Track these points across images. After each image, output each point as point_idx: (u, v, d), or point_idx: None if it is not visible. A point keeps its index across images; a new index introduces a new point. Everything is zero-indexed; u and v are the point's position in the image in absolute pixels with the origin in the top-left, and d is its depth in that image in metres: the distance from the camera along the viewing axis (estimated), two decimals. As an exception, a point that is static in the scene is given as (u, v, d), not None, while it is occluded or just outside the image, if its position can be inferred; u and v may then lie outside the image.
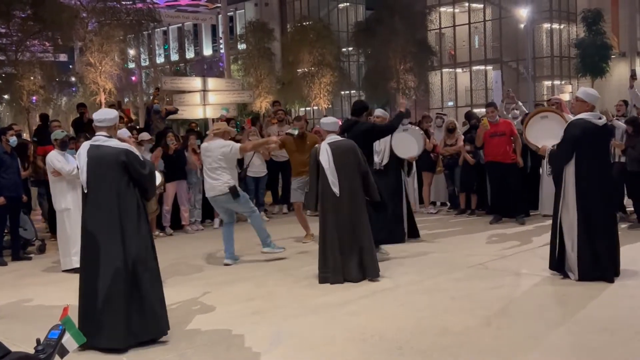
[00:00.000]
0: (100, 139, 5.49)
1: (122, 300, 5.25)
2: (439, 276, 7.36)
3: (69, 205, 8.46)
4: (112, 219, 5.33)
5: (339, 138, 7.64)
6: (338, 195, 7.28)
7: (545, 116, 7.53)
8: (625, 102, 10.39)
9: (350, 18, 52.38)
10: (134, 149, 5.56)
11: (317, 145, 7.82)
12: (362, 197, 7.45)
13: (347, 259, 7.24)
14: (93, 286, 5.29)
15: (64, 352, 3.73)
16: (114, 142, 5.47)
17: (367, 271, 7.27)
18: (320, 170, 7.38)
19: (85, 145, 5.56)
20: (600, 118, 6.80)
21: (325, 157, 7.34)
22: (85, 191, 5.48)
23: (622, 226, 9.24)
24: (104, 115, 5.63)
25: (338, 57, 40.44)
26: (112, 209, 5.34)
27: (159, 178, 7.35)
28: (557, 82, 44.83)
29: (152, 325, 5.36)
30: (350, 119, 8.64)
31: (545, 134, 7.25)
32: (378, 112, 10.00)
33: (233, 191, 8.33)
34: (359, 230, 7.32)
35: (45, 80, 26.74)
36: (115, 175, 5.37)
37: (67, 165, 8.39)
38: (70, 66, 34.23)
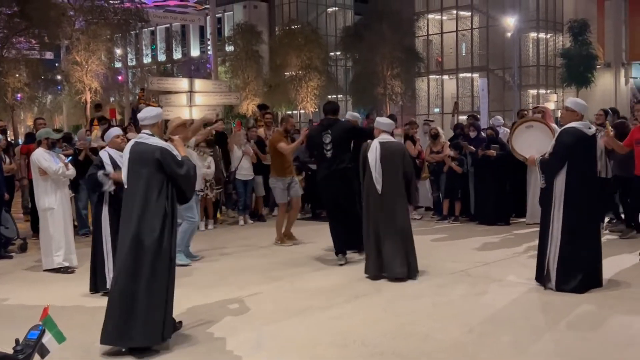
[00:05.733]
0: (143, 136, 5.54)
1: (122, 300, 5.27)
2: (422, 282, 7.38)
3: (52, 204, 8.38)
4: (135, 215, 5.32)
5: (390, 139, 7.88)
6: (380, 193, 7.50)
7: (531, 126, 7.57)
8: (605, 112, 10.42)
9: (338, 23, 52.56)
10: (172, 147, 5.50)
11: (368, 141, 7.99)
12: (403, 198, 7.68)
13: (386, 255, 7.45)
14: (114, 280, 5.43)
15: (44, 352, 3.70)
16: (153, 140, 5.46)
17: (410, 271, 7.50)
18: (367, 166, 7.59)
19: (131, 142, 5.64)
20: (589, 128, 6.86)
21: (374, 154, 7.55)
22: (125, 186, 5.52)
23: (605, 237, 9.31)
24: (146, 113, 5.68)
25: (326, 62, 40.55)
26: (138, 206, 5.32)
27: None
28: (542, 91, 45.16)
29: (139, 331, 5.21)
30: (329, 117, 8.74)
31: (531, 144, 7.28)
32: (349, 115, 10.02)
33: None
34: (399, 229, 7.53)
35: (30, 77, 26.58)
36: (149, 173, 5.35)
37: (54, 165, 8.32)
38: (57, 64, 33.95)
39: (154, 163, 5.34)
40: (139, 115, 5.78)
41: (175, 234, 5.57)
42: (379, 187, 7.52)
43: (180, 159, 5.44)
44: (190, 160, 5.66)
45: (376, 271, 7.52)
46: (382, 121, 8.08)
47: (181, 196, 5.51)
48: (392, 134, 8.17)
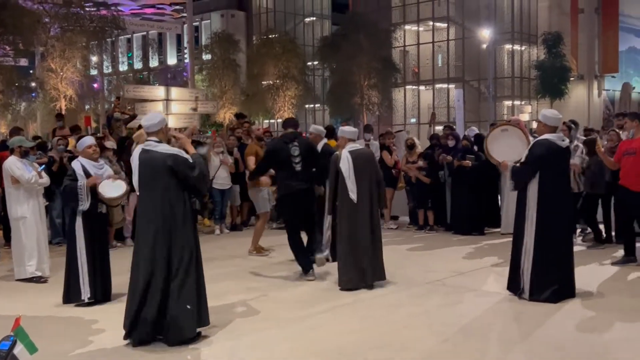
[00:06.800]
0: (151, 143, 5.66)
1: (144, 299, 5.52)
2: (398, 292, 7.41)
3: (25, 213, 8.26)
4: (155, 222, 5.53)
5: (358, 146, 7.96)
6: (356, 202, 7.55)
7: (506, 129, 7.64)
8: (569, 127, 10.49)
9: (316, 32, 52.72)
10: (181, 151, 5.65)
11: (336, 153, 7.98)
12: (376, 204, 7.78)
13: (362, 263, 7.51)
14: (134, 283, 5.62)
15: (15, 363, 3.66)
16: (162, 147, 5.62)
17: (377, 274, 7.61)
18: (340, 178, 7.60)
19: (138, 149, 5.76)
20: (563, 140, 6.95)
21: (346, 165, 7.57)
22: (137, 193, 5.73)
23: (578, 247, 9.41)
24: (150, 121, 5.79)
25: (303, 71, 40.58)
26: (156, 212, 5.53)
27: (124, 187, 7.26)
28: (517, 102, 45.62)
29: (172, 330, 5.51)
30: (292, 131, 8.51)
31: (505, 149, 7.34)
32: (312, 129, 9.82)
33: None
34: (374, 235, 7.65)
35: (4, 84, 26.22)
36: (162, 180, 5.54)
37: (27, 173, 8.20)
38: (31, 71, 33.54)
39: (167, 170, 5.51)
40: (143, 124, 5.84)
41: (196, 231, 5.78)
42: (354, 196, 7.53)
43: (191, 161, 5.59)
44: (199, 157, 5.77)
45: (356, 282, 7.49)
46: (346, 130, 8.06)
47: (196, 193, 5.76)
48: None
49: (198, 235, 5.85)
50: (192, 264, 5.63)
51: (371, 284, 7.53)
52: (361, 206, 7.57)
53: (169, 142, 5.99)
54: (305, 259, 8.20)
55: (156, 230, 5.54)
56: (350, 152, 7.66)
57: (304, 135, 9.63)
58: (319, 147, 9.16)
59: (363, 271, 7.50)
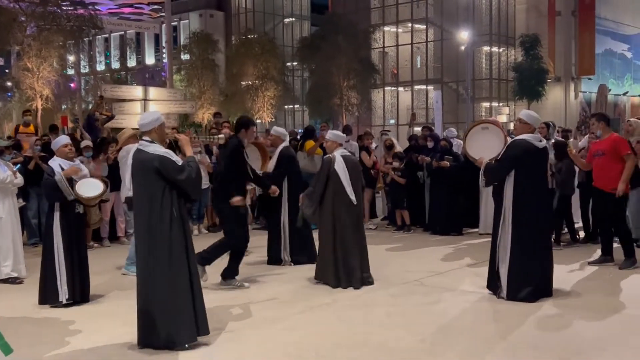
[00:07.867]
0: (144, 143, 5.60)
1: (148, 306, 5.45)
2: (376, 291, 7.42)
3: (0, 213, 8.17)
4: (143, 223, 5.48)
5: (347, 152, 8.11)
6: (355, 204, 7.67)
7: (486, 127, 7.68)
8: (547, 125, 10.62)
9: (295, 33, 52.69)
10: (171, 153, 5.56)
11: (329, 155, 8.00)
12: (362, 207, 7.99)
13: (355, 265, 7.61)
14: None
15: (-11, 365, 3.62)
16: (152, 148, 5.51)
17: (365, 279, 7.72)
18: (334, 179, 7.67)
19: (133, 148, 5.74)
20: (540, 140, 7.01)
21: (342, 167, 7.68)
22: (130, 193, 5.72)
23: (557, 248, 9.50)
24: (143, 120, 5.74)
25: (282, 72, 40.52)
26: (144, 214, 5.47)
27: (101, 187, 7.20)
28: (495, 104, 45.94)
29: (153, 334, 5.42)
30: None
31: (484, 146, 7.38)
32: (273, 131, 9.65)
33: (128, 202, 8.25)
34: (363, 237, 7.84)
35: (-21, 84, 25.90)
36: (150, 181, 5.46)
37: (2, 173, 8.10)
38: (7, 70, 33.11)
39: (154, 171, 5.44)
40: (138, 123, 5.78)
41: (189, 233, 5.65)
42: (353, 198, 7.65)
43: (179, 164, 5.48)
44: (195, 160, 5.67)
45: (341, 282, 7.57)
46: (338, 134, 8.23)
47: (186, 197, 5.63)
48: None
49: (190, 237, 5.71)
50: (181, 266, 5.47)
51: (362, 285, 7.60)
52: (356, 210, 7.73)
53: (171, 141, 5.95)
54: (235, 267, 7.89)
55: (146, 229, 5.48)
56: (343, 157, 7.80)
57: (257, 138, 9.70)
58: (278, 150, 9.08)
59: (351, 272, 7.58)
